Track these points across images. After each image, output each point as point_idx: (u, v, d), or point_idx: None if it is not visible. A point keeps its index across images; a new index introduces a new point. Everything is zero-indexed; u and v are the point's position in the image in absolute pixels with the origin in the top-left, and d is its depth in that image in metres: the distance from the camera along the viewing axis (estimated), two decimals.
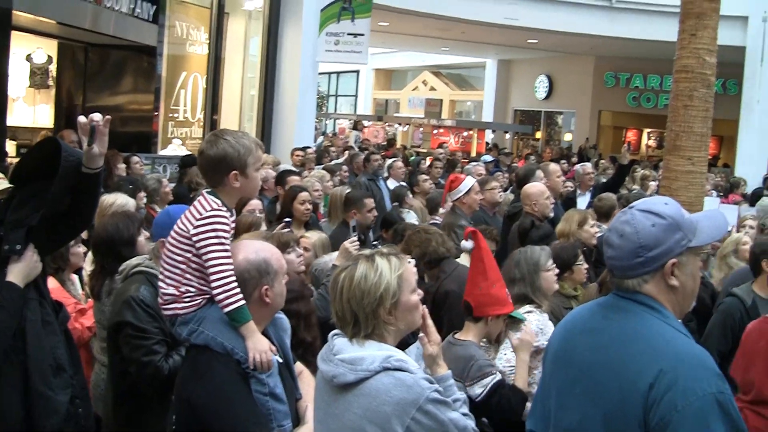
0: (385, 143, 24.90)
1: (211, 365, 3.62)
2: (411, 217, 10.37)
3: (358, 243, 5.95)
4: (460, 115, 42.84)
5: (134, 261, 5.21)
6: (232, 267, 3.67)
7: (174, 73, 16.82)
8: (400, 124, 33.85)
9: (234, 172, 3.82)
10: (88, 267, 6.41)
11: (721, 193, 16.35)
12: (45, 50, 16.01)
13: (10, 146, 13.91)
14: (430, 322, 3.61)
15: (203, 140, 4.02)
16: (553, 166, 10.73)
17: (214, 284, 3.63)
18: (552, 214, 8.68)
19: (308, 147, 16.11)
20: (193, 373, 3.66)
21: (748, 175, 18.63)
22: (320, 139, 25.52)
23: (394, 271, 3.32)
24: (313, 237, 7.26)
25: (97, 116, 3.98)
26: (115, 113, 16.77)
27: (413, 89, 44.19)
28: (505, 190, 12.14)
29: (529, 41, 28.23)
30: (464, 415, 3.37)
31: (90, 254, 6.35)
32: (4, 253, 4.11)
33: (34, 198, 4.19)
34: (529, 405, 4.51)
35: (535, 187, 8.85)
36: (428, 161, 17.52)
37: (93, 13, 13.28)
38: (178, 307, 3.76)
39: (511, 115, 38.06)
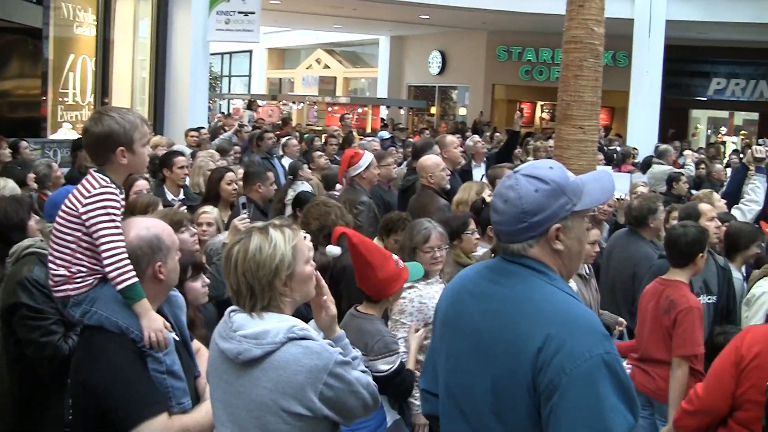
0: (279, 122, 24.73)
1: (106, 346, 3.56)
2: (304, 187, 10.41)
3: (248, 220, 5.89)
4: (355, 92, 42.82)
5: (25, 243, 5.11)
6: (123, 244, 3.61)
7: (61, 56, 16.36)
8: (294, 102, 33.75)
9: (120, 148, 3.78)
10: None
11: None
12: None
13: None
14: (323, 283, 3.57)
15: (88, 118, 3.96)
16: (450, 138, 10.77)
17: (106, 262, 3.57)
18: (448, 186, 8.72)
19: (202, 127, 15.93)
20: (89, 355, 3.60)
21: (639, 144, 18.93)
22: (216, 119, 25.25)
23: (289, 242, 3.30)
24: (213, 212, 7.19)
25: None
26: (1, 99, 16.48)
27: (307, 68, 44.00)
28: (399, 165, 12.16)
29: (422, 17, 28.29)
30: (363, 372, 3.39)
31: None
32: None
33: None
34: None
35: (431, 160, 8.88)
36: (323, 139, 17.45)
37: None
38: (69, 288, 3.69)
39: (405, 91, 38.18)
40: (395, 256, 5.17)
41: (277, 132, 19.18)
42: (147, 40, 18.64)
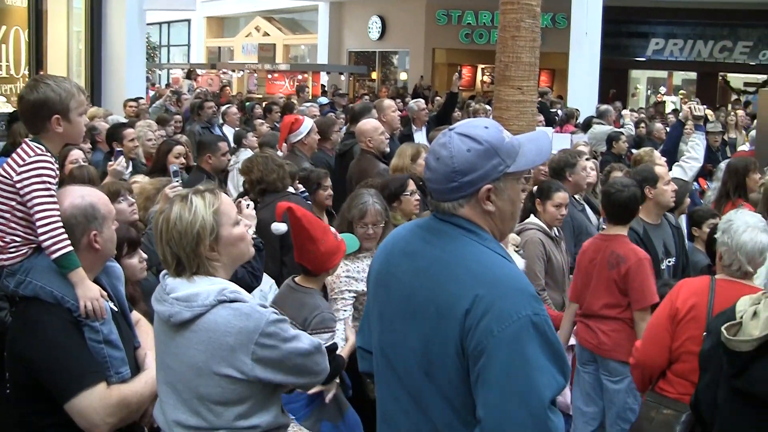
0: (218, 91, 24.55)
1: (41, 317, 3.53)
2: (248, 155, 10.34)
3: (180, 188, 5.83)
4: (295, 59, 42.54)
5: None
6: (58, 213, 3.57)
7: None
8: (234, 71, 33.50)
9: (56, 116, 3.75)
10: None
11: None
12: None
13: None
14: None
15: (24, 86, 3.91)
16: (388, 102, 10.74)
17: (40, 230, 3.53)
18: (388, 150, 8.69)
19: (140, 98, 15.76)
20: (24, 327, 3.57)
21: (580, 105, 18.99)
22: (154, 91, 24.96)
23: (209, 206, 3.29)
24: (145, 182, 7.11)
25: None
26: None
27: (246, 36, 43.59)
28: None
29: None
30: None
31: None
32: None
33: None
34: None
35: (370, 124, 8.86)
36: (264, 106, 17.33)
37: None
38: (3, 258, 3.64)
39: (345, 57, 38.00)
40: (333, 229, 5.16)
41: (219, 101, 19.03)
42: (81, 10, 18.29)
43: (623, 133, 13.20)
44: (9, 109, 14.47)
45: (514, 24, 9.59)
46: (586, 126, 15.21)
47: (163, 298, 3.30)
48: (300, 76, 29.81)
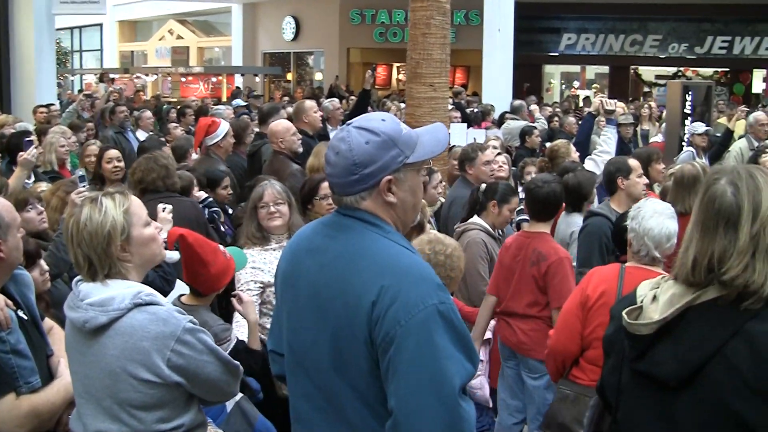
0: (132, 95, 24.24)
1: None
2: None
3: (86, 193, 5.74)
4: (210, 62, 42.29)
5: None
6: None
7: None
8: (147, 74, 33.14)
9: None
10: None
11: None
12: None
13: None
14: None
15: None
16: (309, 103, 10.66)
17: None
18: (300, 150, 8.63)
19: (52, 104, 15.54)
20: None
21: (495, 101, 19.08)
22: (66, 97, 24.57)
23: (119, 207, 3.28)
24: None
25: None
26: None
27: (160, 39, 43.21)
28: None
29: None
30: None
31: None
32: None
33: None
34: None
35: (282, 125, 8.79)
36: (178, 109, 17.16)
37: None
38: None
39: (260, 58, 37.86)
40: (221, 247, 5.11)
41: (132, 105, 18.80)
42: None
43: (536, 128, 13.38)
44: None
45: (425, 21, 9.66)
46: (501, 121, 15.34)
47: (76, 304, 3.27)
48: (214, 79, 29.60)
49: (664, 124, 15.37)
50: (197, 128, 9.70)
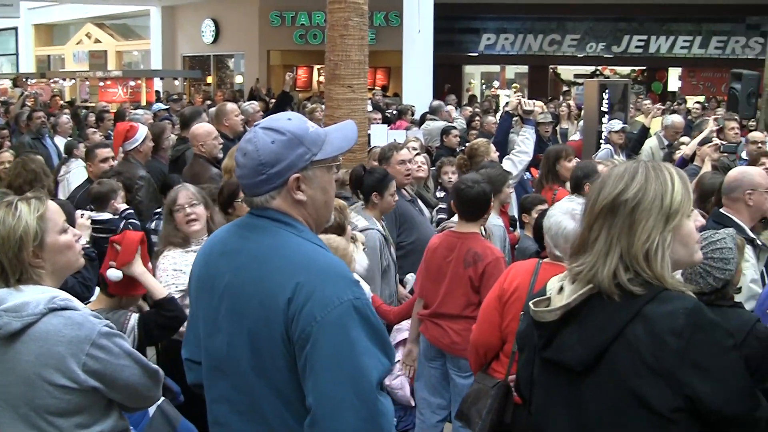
0: (48, 101, 23.88)
1: None
2: (78, 165, 10.14)
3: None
4: (129, 66, 41.85)
5: None
6: None
7: None
8: (65, 79, 32.68)
9: None
10: None
11: None
12: None
13: None
14: None
15: None
16: (231, 106, 10.57)
17: None
18: (221, 155, 8.56)
19: None
20: None
21: (415, 101, 19.14)
22: None
23: (34, 212, 3.25)
24: None
25: None
26: None
27: (77, 43, 42.65)
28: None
29: None
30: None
31: None
32: None
33: None
34: None
35: (203, 128, 8.73)
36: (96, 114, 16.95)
37: None
38: None
39: (180, 61, 37.60)
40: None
41: (49, 110, 18.52)
42: None
43: (455, 128, 13.46)
44: None
45: (342, 23, 9.67)
46: (422, 122, 15.42)
47: None
48: (133, 83, 29.29)
49: (581, 122, 15.56)
50: (115, 133, 9.60)
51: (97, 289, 5.05)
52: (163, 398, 4.59)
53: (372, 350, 2.73)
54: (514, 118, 10.49)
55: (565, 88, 31.97)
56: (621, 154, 11.50)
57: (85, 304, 3.49)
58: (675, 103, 23.10)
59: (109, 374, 3.21)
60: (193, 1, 34.82)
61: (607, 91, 13.81)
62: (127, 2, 36.60)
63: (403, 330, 6.71)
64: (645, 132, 12.31)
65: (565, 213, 4.79)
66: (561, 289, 2.80)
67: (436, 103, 16.42)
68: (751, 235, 5.96)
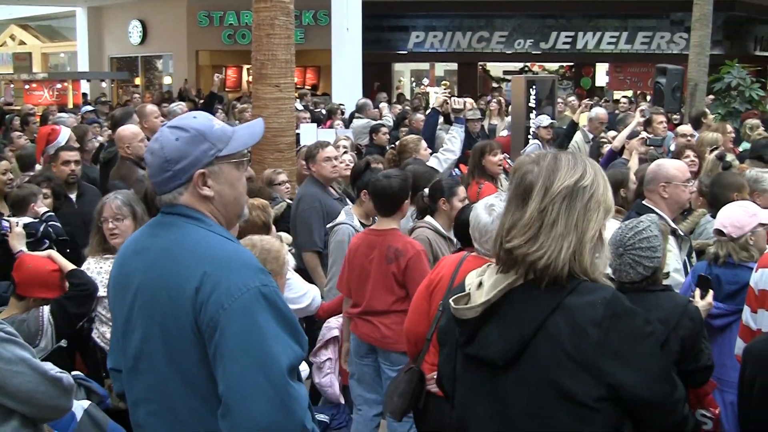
0: None
1: None
2: None
3: None
4: (55, 68, 41.33)
5: None
6: None
7: None
8: None
9: None
10: None
11: None
12: None
13: None
14: None
15: None
16: (150, 107, 10.50)
17: None
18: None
19: None
20: None
21: (345, 100, 19.17)
22: None
23: None
24: None
25: None
26: None
27: (1, 45, 42.10)
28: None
29: None
30: None
31: None
32: None
33: None
34: None
35: (129, 130, 8.65)
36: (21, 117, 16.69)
37: None
38: None
39: (107, 63, 37.20)
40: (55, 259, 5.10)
41: None
42: None
43: (384, 125, 13.49)
44: None
45: (268, 22, 9.65)
46: (351, 120, 15.43)
47: None
48: (59, 85, 28.90)
49: (509, 118, 15.66)
50: (38, 137, 9.51)
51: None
52: (89, 402, 4.57)
53: (282, 336, 2.75)
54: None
55: (495, 85, 32.25)
56: (549, 150, 11.54)
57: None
58: (603, 100, 23.38)
59: (2, 381, 3.17)
60: (120, 2, 34.46)
61: (534, 86, 13.89)
62: (52, 3, 36.15)
63: (332, 328, 6.72)
64: (573, 127, 12.41)
65: (483, 208, 4.83)
66: (480, 284, 2.80)
67: (363, 101, 16.44)
68: (673, 225, 6.07)
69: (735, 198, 6.54)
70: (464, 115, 9.79)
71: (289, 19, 9.78)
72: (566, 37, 31.76)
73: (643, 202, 6.21)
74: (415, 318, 5.13)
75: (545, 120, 12.09)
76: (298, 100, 16.77)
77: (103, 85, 33.87)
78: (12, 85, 30.07)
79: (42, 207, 7.18)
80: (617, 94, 27.27)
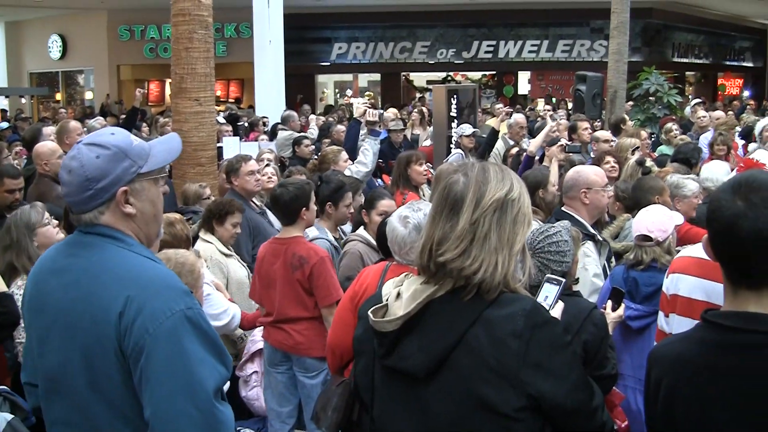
0: None
1: None
2: None
3: None
4: None
5: None
6: None
7: None
8: None
9: None
10: None
11: None
12: None
13: None
14: None
15: None
16: (74, 124, 10.38)
17: None
18: None
19: None
20: None
21: (268, 112, 19.07)
22: None
23: None
24: None
25: None
26: None
27: None
28: None
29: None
30: None
31: None
32: None
33: None
34: None
35: (46, 146, 8.57)
36: None
37: None
38: None
39: (27, 78, 36.68)
40: None
41: None
42: None
43: (307, 137, 13.48)
44: None
45: (187, 35, 9.61)
46: (274, 133, 15.40)
47: None
48: None
49: (431, 128, 15.74)
50: None
51: None
52: (12, 416, 4.51)
53: (207, 359, 2.74)
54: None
55: (418, 95, 32.39)
56: (472, 158, 11.59)
57: None
58: (528, 109, 23.62)
59: None
60: (39, 16, 34.01)
61: (455, 96, 14.00)
62: None
63: (257, 341, 6.71)
64: (495, 135, 12.47)
65: (398, 220, 4.85)
66: (398, 295, 2.82)
67: (287, 113, 16.40)
68: (592, 231, 6.16)
69: (657, 201, 6.67)
70: (383, 126, 9.79)
71: (207, 32, 9.74)
72: (488, 46, 32.09)
73: (563, 208, 6.31)
74: (340, 331, 5.04)
75: (467, 129, 12.16)
76: (220, 114, 16.71)
77: (23, 101, 33.42)
78: None
79: None
80: (539, 102, 27.58)
